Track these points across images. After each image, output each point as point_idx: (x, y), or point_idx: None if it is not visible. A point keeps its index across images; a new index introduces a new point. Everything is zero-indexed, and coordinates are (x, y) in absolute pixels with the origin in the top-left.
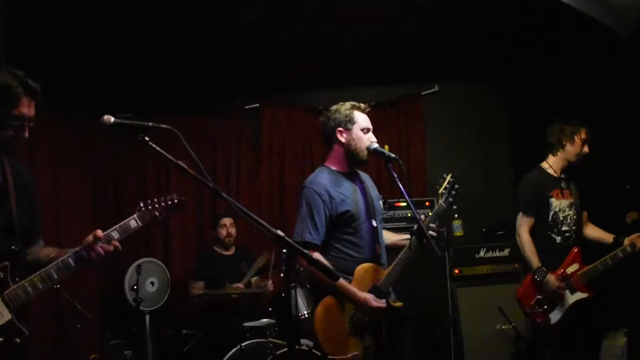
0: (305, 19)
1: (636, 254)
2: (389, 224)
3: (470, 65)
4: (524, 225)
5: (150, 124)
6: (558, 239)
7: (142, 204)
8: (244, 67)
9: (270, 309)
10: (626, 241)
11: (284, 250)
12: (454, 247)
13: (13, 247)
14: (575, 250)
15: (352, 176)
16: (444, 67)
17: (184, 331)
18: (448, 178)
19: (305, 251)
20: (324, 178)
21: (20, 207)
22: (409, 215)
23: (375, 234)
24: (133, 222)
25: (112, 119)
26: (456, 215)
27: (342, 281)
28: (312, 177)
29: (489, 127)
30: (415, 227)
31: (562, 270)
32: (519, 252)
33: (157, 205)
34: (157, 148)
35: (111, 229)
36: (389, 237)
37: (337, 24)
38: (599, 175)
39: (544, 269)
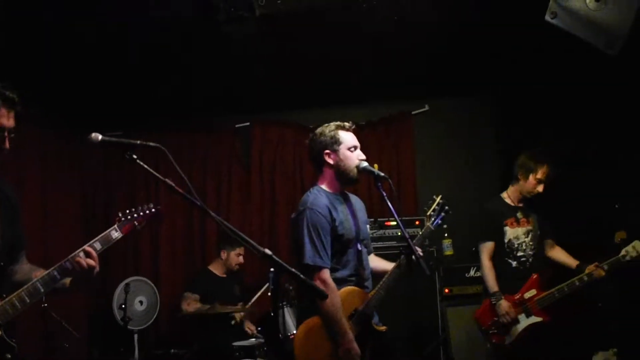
0: (295, 37)
1: (592, 283)
2: (378, 243)
3: (460, 83)
4: (484, 252)
5: (139, 141)
6: (514, 263)
7: (120, 214)
8: (234, 85)
9: (259, 328)
10: (586, 269)
11: (272, 269)
12: (444, 266)
13: None
14: (535, 277)
15: (344, 197)
16: (434, 85)
17: (172, 350)
18: (437, 200)
19: (293, 269)
20: (324, 199)
21: (4, 223)
22: (399, 234)
23: (360, 257)
24: (114, 232)
25: (100, 137)
26: (446, 235)
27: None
28: (312, 198)
29: (478, 146)
30: (404, 246)
31: (520, 295)
32: None
33: (135, 215)
34: (145, 166)
35: (93, 240)
36: (383, 265)
37: (328, 43)
38: (588, 193)
39: (500, 294)
